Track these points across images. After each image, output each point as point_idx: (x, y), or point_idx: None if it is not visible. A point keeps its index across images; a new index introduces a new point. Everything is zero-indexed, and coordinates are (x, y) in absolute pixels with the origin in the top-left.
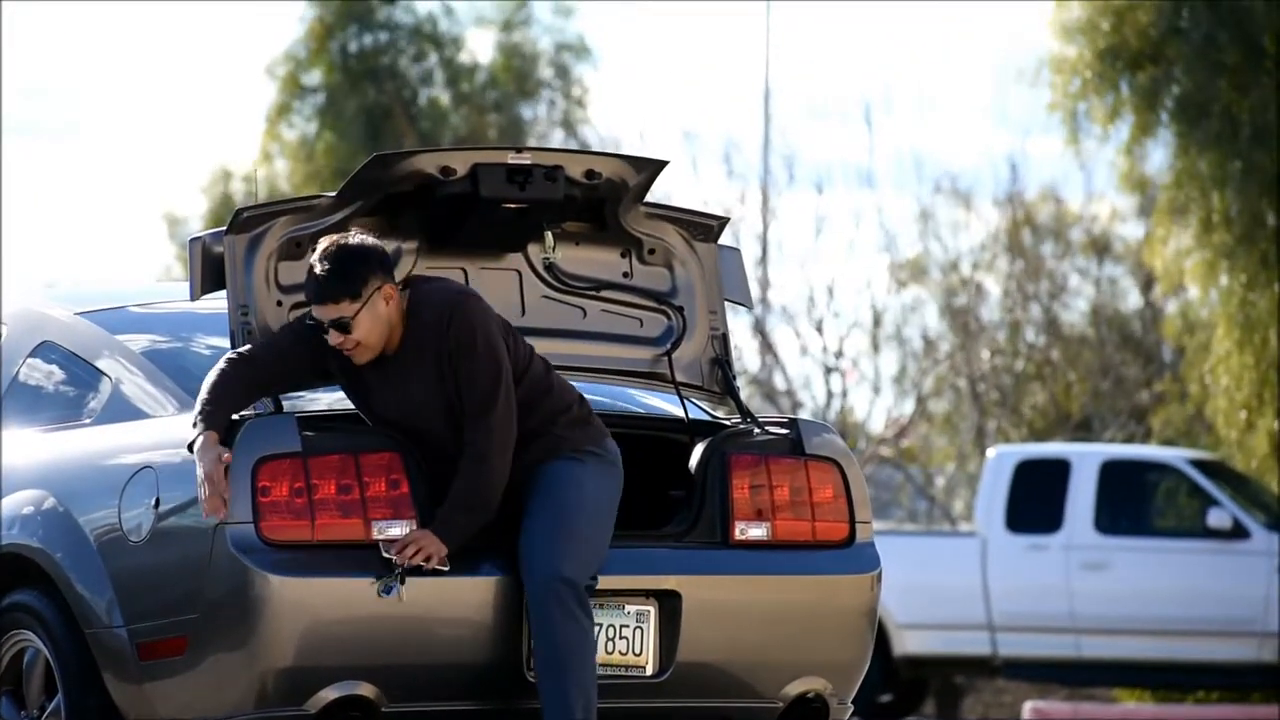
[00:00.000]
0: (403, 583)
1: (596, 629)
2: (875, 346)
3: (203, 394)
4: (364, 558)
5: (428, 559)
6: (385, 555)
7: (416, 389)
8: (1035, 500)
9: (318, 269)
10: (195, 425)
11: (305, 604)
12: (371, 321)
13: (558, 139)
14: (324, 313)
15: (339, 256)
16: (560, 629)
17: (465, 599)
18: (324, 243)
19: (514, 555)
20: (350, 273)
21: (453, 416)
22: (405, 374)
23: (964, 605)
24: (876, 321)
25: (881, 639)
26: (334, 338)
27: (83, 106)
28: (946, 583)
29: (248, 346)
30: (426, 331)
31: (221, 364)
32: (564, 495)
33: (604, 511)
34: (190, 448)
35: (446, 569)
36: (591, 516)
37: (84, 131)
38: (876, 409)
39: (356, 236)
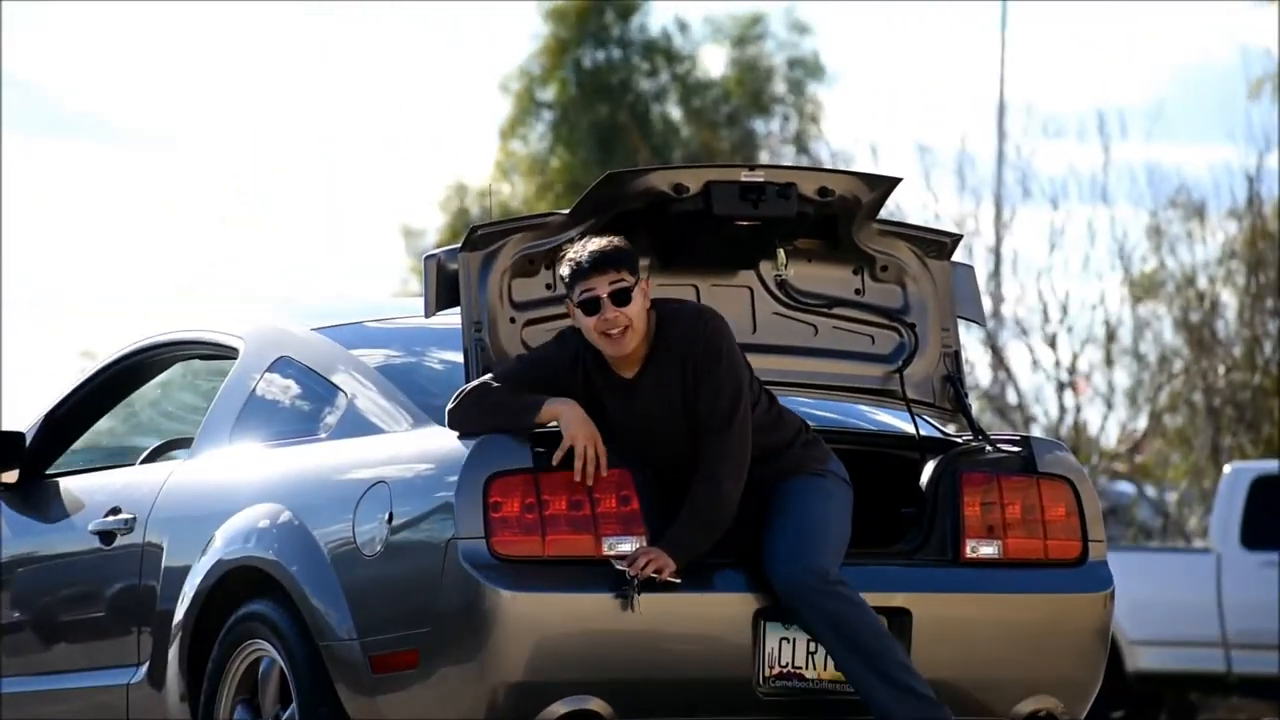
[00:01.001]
0: (639, 593)
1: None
2: (1109, 361)
3: (493, 403)
4: (595, 573)
5: (659, 571)
6: (618, 568)
7: (661, 404)
8: (1271, 517)
9: (588, 247)
10: (522, 403)
11: (536, 619)
12: (641, 305)
13: (789, 155)
14: (602, 282)
15: (608, 239)
16: (836, 611)
17: (697, 614)
18: (582, 240)
19: (747, 570)
20: (624, 249)
21: (694, 431)
22: (650, 390)
23: (1198, 622)
24: (1110, 336)
25: (1114, 655)
26: (607, 312)
27: (323, 122)
28: (1180, 599)
29: (482, 381)
30: (674, 348)
31: (477, 390)
32: (811, 506)
33: (846, 524)
34: (527, 420)
35: (678, 582)
36: (836, 525)
37: (324, 147)
38: (1110, 424)
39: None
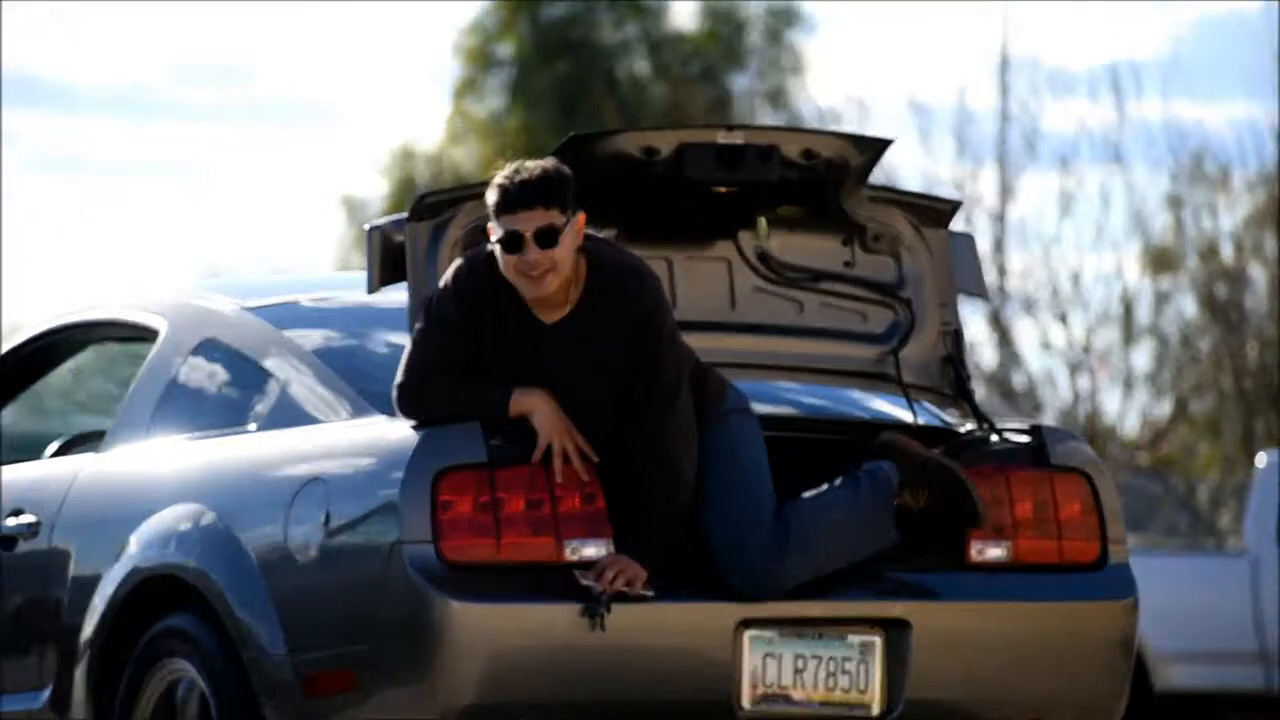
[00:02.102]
0: (608, 611)
1: (816, 661)
2: (1127, 340)
3: (452, 400)
4: (556, 580)
5: (630, 584)
6: (584, 584)
7: (581, 358)
8: None
9: (520, 175)
10: (486, 397)
11: (491, 632)
12: (569, 246)
13: (768, 114)
14: (526, 220)
15: (544, 167)
16: (801, 572)
17: (671, 626)
18: (515, 164)
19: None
20: (559, 182)
21: (620, 404)
22: (570, 340)
23: (1234, 633)
24: (1128, 312)
25: (1139, 671)
26: (530, 253)
27: (261, 84)
28: (1213, 607)
29: (414, 372)
30: (606, 305)
31: (425, 385)
32: (731, 468)
33: (764, 466)
34: (495, 416)
35: (651, 595)
36: (760, 478)
37: (261, 111)
38: (1130, 411)
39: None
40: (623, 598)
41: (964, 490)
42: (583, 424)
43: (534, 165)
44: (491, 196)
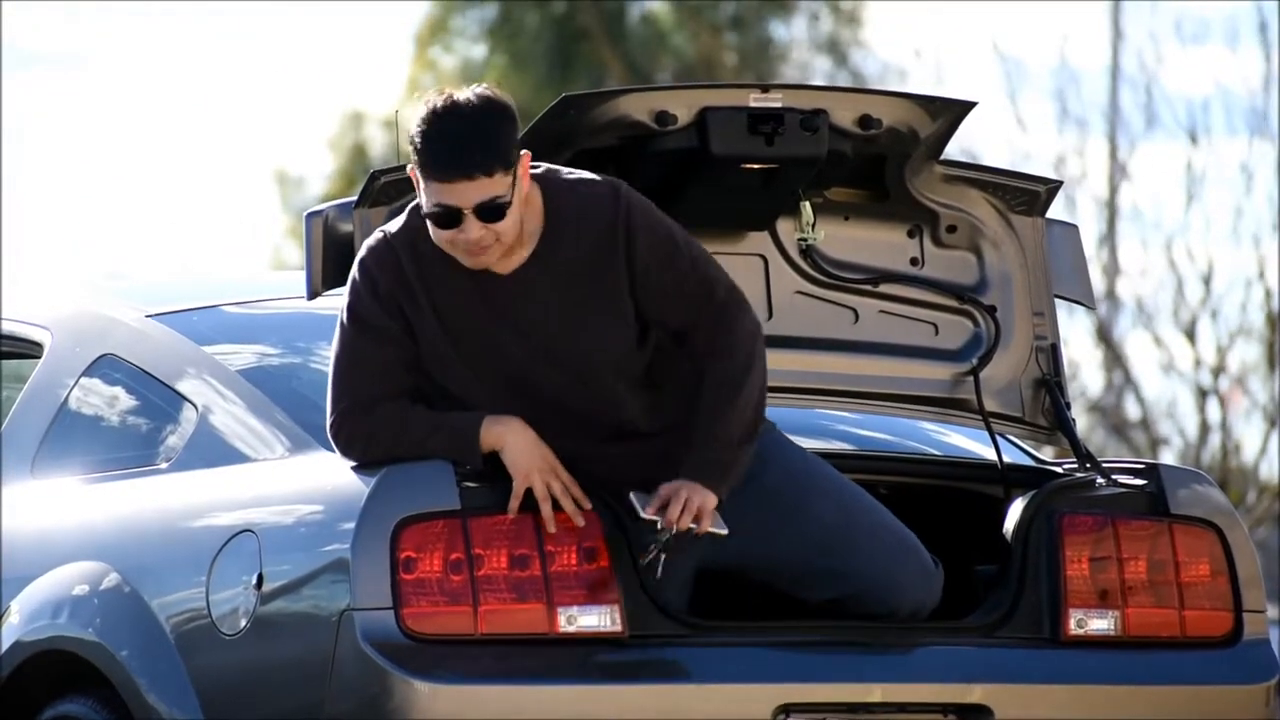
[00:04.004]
0: (667, 555)
1: None
2: (1272, 360)
3: (408, 434)
4: (548, 656)
5: (698, 518)
6: (643, 517)
7: (571, 312)
8: None
9: (448, 124)
10: (449, 427)
11: None
12: (518, 213)
13: (821, 71)
14: (463, 193)
15: (481, 111)
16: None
17: (690, 714)
18: (440, 98)
19: (765, 644)
20: (499, 132)
21: (628, 365)
22: (538, 291)
23: None
24: (1273, 324)
25: None
26: (470, 230)
27: (168, 27)
28: None
29: (347, 401)
30: (582, 243)
31: (367, 417)
32: (791, 503)
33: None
34: (463, 451)
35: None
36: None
37: (169, 65)
38: (1273, 448)
39: (488, 88)
40: (689, 536)
41: None
42: (580, 387)
43: (463, 106)
44: (415, 147)
